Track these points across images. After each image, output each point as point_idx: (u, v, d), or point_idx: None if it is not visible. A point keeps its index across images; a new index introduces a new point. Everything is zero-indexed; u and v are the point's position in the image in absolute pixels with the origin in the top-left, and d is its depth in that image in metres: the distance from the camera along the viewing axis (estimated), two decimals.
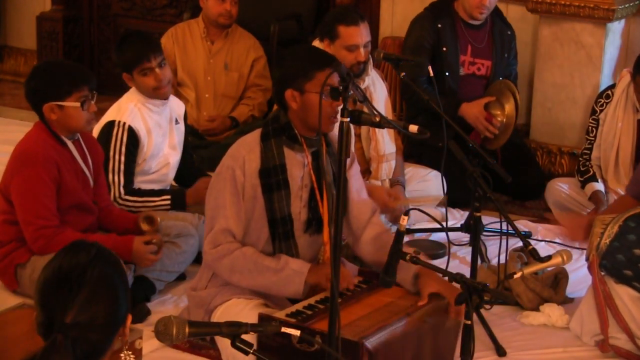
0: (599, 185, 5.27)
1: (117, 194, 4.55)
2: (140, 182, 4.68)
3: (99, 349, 2.14)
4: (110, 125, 4.57)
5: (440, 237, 5.16)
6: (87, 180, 4.24)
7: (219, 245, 3.75)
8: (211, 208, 3.80)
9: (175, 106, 4.83)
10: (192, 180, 4.97)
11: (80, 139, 4.23)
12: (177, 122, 4.80)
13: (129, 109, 4.61)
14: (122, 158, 4.55)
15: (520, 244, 4.12)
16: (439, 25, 5.70)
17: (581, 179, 5.35)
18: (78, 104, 4.05)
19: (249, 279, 3.74)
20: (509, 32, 5.89)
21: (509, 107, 5.58)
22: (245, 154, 3.77)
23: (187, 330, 2.44)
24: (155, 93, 4.63)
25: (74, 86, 4.06)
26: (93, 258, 2.18)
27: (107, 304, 2.14)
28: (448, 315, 3.64)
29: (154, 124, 4.66)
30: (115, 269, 2.20)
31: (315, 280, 3.69)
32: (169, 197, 4.69)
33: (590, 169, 5.34)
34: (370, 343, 3.37)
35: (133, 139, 4.57)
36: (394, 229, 4.85)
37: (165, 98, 4.68)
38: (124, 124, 4.56)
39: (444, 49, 5.69)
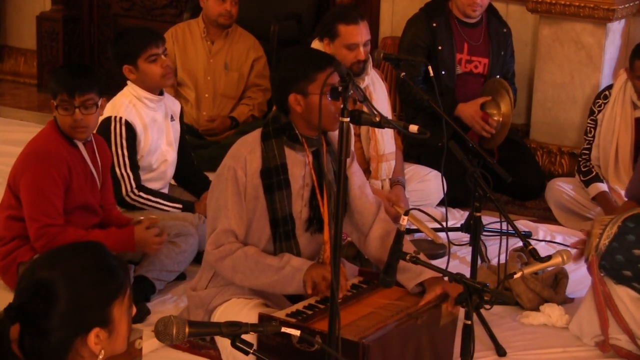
0: (604, 186, 5.27)
1: (128, 189, 4.56)
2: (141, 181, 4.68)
3: (45, 345, 2.15)
4: (107, 121, 4.57)
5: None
6: (95, 182, 4.25)
7: (221, 245, 3.75)
8: (213, 209, 3.80)
9: (171, 103, 4.84)
10: (192, 179, 4.98)
11: (93, 141, 4.24)
12: (172, 119, 4.81)
13: (124, 105, 4.62)
14: (125, 152, 4.56)
15: (520, 244, 4.12)
16: (434, 25, 5.71)
17: (584, 179, 5.34)
18: (55, 105, 4.10)
19: (251, 279, 3.74)
20: (505, 30, 5.89)
21: (505, 106, 5.58)
22: (246, 154, 3.77)
23: (187, 330, 2.44)
24: (162, 80, 4.64)
25: (57, 87, 4.10)
26: (61, 258, 2.22)
27: (42, 301, 2.16)
28: (440, 312, 3.64)
29: (150, 120, 4.67)
30: (75, 281, 2.18)
31: (309, 279, 3.68)
32: (180, 206, 4.71)
33: (593, 170, 5.33)
34: (370, 343, 3.36)
35: (131, 133, 4.58)
36: None
37: (169, 85, 4.69)
38: (120, 118, 4.57)
39: (439, 47, 5.69)
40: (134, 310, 2.31)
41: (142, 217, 4.36)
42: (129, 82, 4.70)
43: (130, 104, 4.63)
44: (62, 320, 2.15)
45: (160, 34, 4.76)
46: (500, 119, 5.59)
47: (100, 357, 2.19)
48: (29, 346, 2.15)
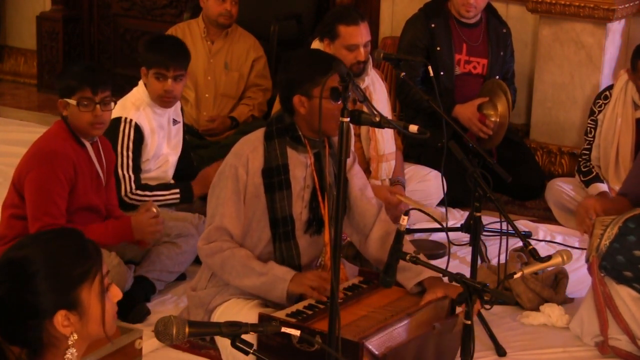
0: (604, 186, 5.27)
1: (128, 189, 4.57)
2: (141, 180, 4.68)
3: (18, 326, 2.15)
4: (116, 121, 4.57)
5: (440, 237, 5.16)
6: (101, 182, 4.25)
7: (212, 241, 3.76)
8: (212, 206, 3.81)
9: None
10: (192, 179, 4.97)
11: (98, 141, 4.24)
12: (175, 122, 4.81)
13: (134, 108, 4.64)
14: (130, 154, 4.58)
15: (520, 244, 4.12)
16: (433, 25, 5.71)
17: (584, 179, 5.34)
18: (75, 102, 4.07)
19: (236, 280, 3.75)
20: (505, 30, 5.89)
21: (502, 107, 5.58)
22: (248, 152, 3.78)
23: (187, 330, 2.43)
24: (158, 100, 4.66)
25: (77, 84, 4.08)
26: (32, 241, 2.21)
27: (10, 280, 2.15)
28: (457, 320, 3.64)
29: (157, 126, 4.69)
30: (49, 259, 2.17)
31: (298, 289, 3.68)
32: (177, 190, 4.72)
33: (593, 170, 5.33)
34: (380, 348, 3.36)
35: (138, 136, 4.59)
36: None
37: (166, 107, 4.70)
38: (130, 120, 4.59)
39: (438, 48, 5.69)
40: (116, 293, 2.29)
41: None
42: (140, 84, 4.73)
43: (141, 108, 4.65)
44: (32, 299, 2.15)
45: (183, 58, 4.72)
46: (498, 120, 5.59)
47: (72, 339, 2.18)
48: (5, 329, 2.15)
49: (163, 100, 4.67)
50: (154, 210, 4.25)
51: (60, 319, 2.16)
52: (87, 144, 4.18)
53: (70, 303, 2.18)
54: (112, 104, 4.15)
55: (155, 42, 4.82)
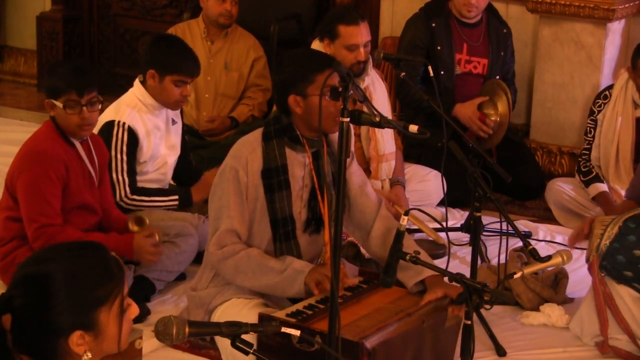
0: (604, 186, 5.27)
1: (122, 194, 4.55)
2: (139, 182, 4.66)
3: (32, 340, 2.14)
4: (109, 125, 4.55)
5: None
6: (93, 181, 4.24)
7: (224, 246, 3.74)
8: (215, 209, 3.80)
9: None
10: (191, 180, 4.97)
11: (89, 140, 4.23)
12: (173, 122, 4.79)
13: (128, 110, 4.59)
14: (124, 157, 4.54)
15: (520, 244, 4.12)
16: (433, 25, 5.71)
17: (584, 179, 5.35)
18: (61, 105, 4.06)
19: (252, 280, 3.74)
20: (505, 30, 5.89)
21: (502, 106, 5.58)
22: (247, 154, 3.77)
23: (187, 330, 2.43)
24: (174, 104, 4.63)
25: (63, 86, 4.07)
26: (56, 256, 2.18)
27: (28, 295, 2.14)
28: (446, 315, 3.64)
29: (152, 127, 4.65)
30: (71, 277, 2.15)
31: (311, 280, 3.68)
32: (176, 197, 4.70)
33: (593, 170, 5.34)
34: (370, 343, 3.36)
35: (133, 139, 4.56)
36: None
37: (176, 110, 4.69)
38: (124, 123, 4.55)
39: (438, 48, 5.69)
40: (134, 310, 2.28)
41: (147, 219, 4.34)
42: (136, 84, 4.66)
43: (135, 109, 4.60)
44: (49, 317, 2.13)
45: (199, 67, 4.69)
46: (498, 119, 5.59)
47: (85, 358, 2.17)
48: (18, 339, 2.15)
49: (179, 104, 4.65)
50: (157, 237, 4.24)
51: (75, 339, 2.15)
52: (77, 143, 4.17)
53: (88, 324, 2.16)
54: (99, 104, 4.12)
55: (181, 48, 4.68)
